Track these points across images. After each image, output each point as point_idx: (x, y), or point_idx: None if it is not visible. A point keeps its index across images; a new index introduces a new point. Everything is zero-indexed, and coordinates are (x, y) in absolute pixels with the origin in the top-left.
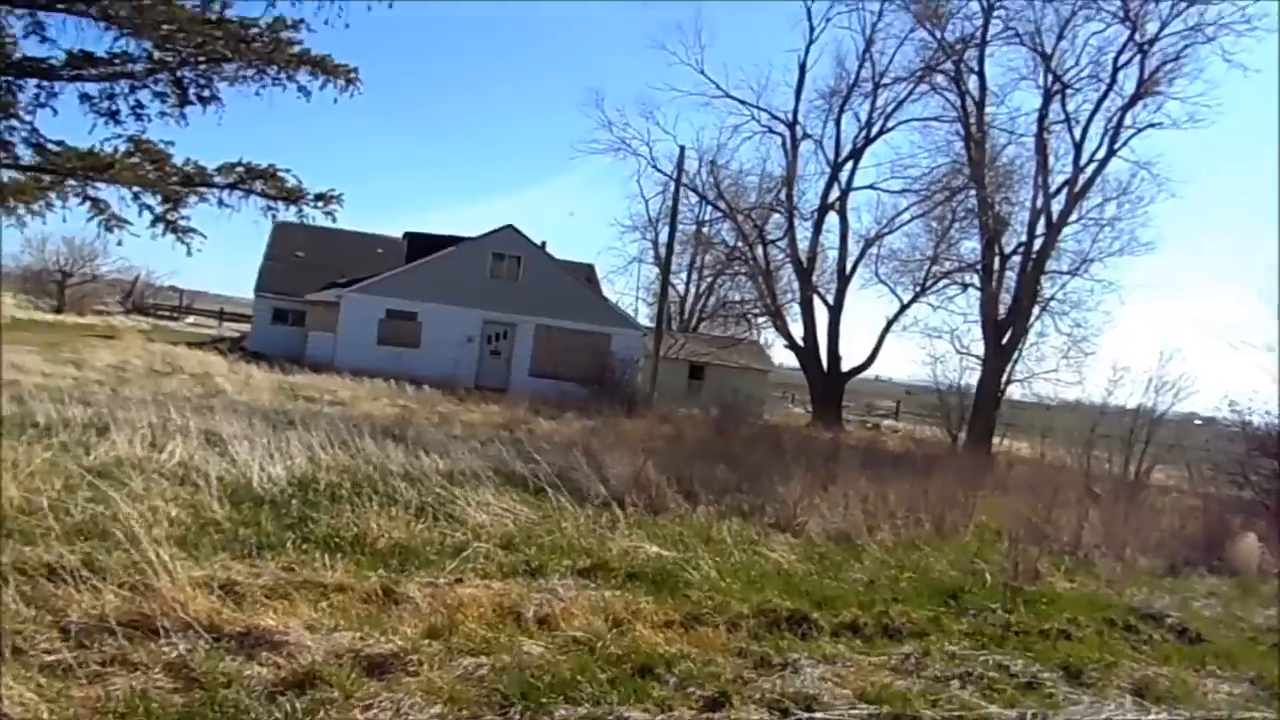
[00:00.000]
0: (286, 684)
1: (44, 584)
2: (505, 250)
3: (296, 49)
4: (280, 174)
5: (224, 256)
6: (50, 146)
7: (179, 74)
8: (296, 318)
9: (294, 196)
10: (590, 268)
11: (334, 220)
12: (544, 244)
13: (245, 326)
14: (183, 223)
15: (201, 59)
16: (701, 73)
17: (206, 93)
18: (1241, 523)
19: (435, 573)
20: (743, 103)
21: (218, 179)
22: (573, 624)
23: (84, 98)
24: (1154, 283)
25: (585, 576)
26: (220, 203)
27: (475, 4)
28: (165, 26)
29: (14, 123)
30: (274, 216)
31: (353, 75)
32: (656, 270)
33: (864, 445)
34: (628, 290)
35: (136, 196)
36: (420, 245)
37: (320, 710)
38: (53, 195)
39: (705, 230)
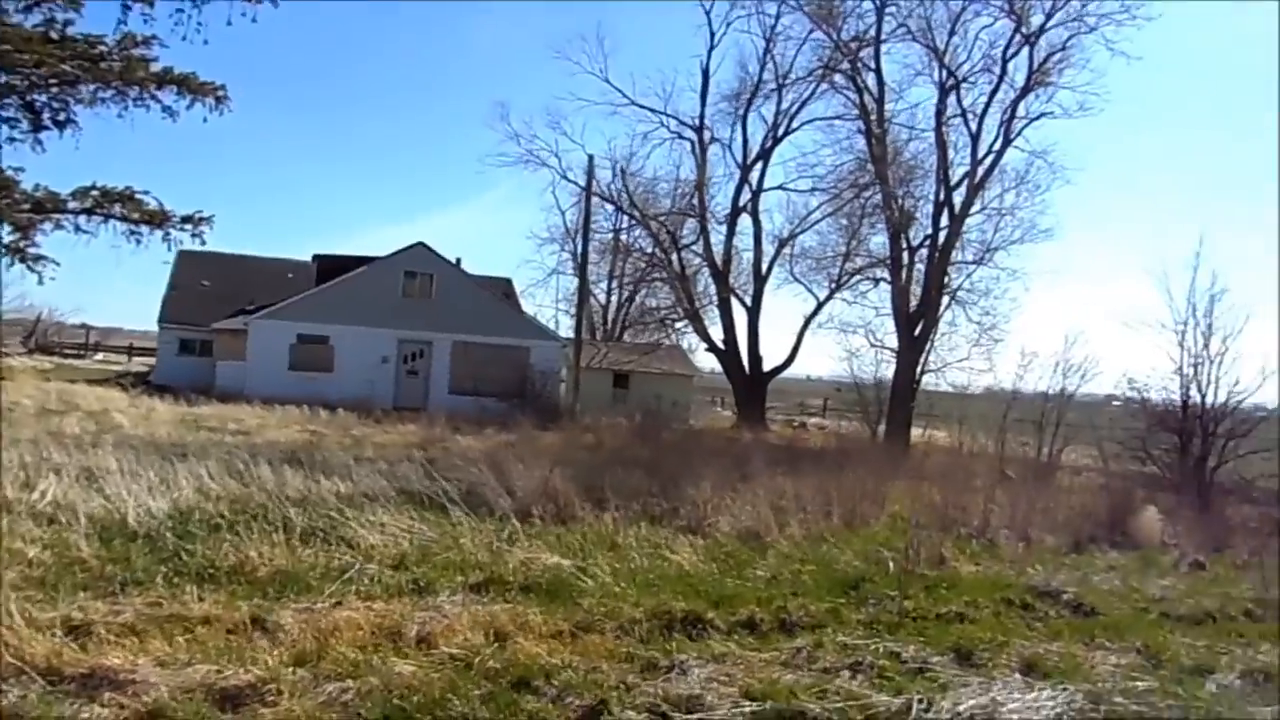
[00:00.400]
0: None
1: None
2: (417, 268)
3: (156, 67)
4: (139, 196)
5: (134, 291)
6: None
7: (29, 98)
8: (204, 348)
9: (158, 219)
10: (508, 282)
11: (203, 243)
12: (459, 260)
13: (154, 360)
14: (32, 250)
15: (53, 81)
16: (606, 81)
17: (62, 116)
18: (1144, 497)
19: (315, 598)
20: (649, 110)
21: (72, 204)
22: (453, 641)
23: None
24: (1058, 269)
25: (477, 591)
26: (77, 228)
27: (371, 15)
28: (1, 46)
29: None
30: (137, 241)
31: (221, 94)
32: (576, 281)
33: (785, 444)
34: (548, 303)
35: None
36: (330, 267)
37: None
38: None
39: (623, 238)
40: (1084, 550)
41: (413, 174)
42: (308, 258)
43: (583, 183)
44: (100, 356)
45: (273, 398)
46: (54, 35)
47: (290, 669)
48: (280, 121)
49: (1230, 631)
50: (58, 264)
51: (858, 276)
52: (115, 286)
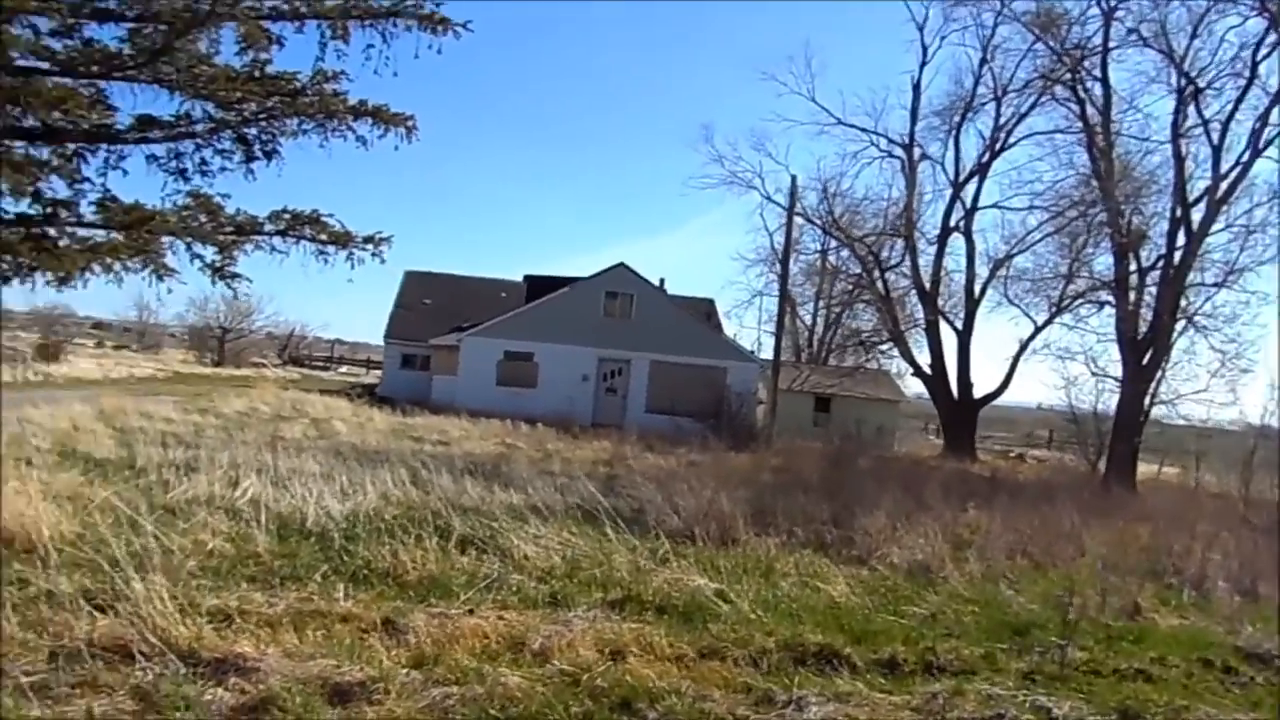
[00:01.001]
0: (243, 709)
1: (44, 610)
2: (618, 288)
3: (352, 100)
4: (324, 219)
5: (378, 308)
6: (110, 205)
7: (243, 132)
8: (423, 362)
9: (342, 240)
10: (710, 303)
11: (384, 261)
12: (662, 282)
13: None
14: (229, 269)
15: (262, 115)
16: (813, 101)
17: (270, 147)
18: None
19: (452, 603)
20: (858, 129)
21: (268, 227)
22: (567, 657)
23: (150, 159)
24: None
25: (615, 609)
26: (272, 249)
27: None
28: (207, 86)
29: (84, 186)
30: (325, 260)
31: (410, 124)
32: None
33: (989, 475)
34: (752, 324)
35: (189, 247)
36: (539, 287)
37: None
38: (122, 255)
39: (830, 260)
40: None
41: (626, 199)
42: (520, 278)
43: (787, 204)
44: (344, 369)
45: (480, 411)
46: (256, 74)
47: (405, 670)
48: (499, 149)
49: None
50: (250, 281)
51: (1079, 300)
52: (361, 303)
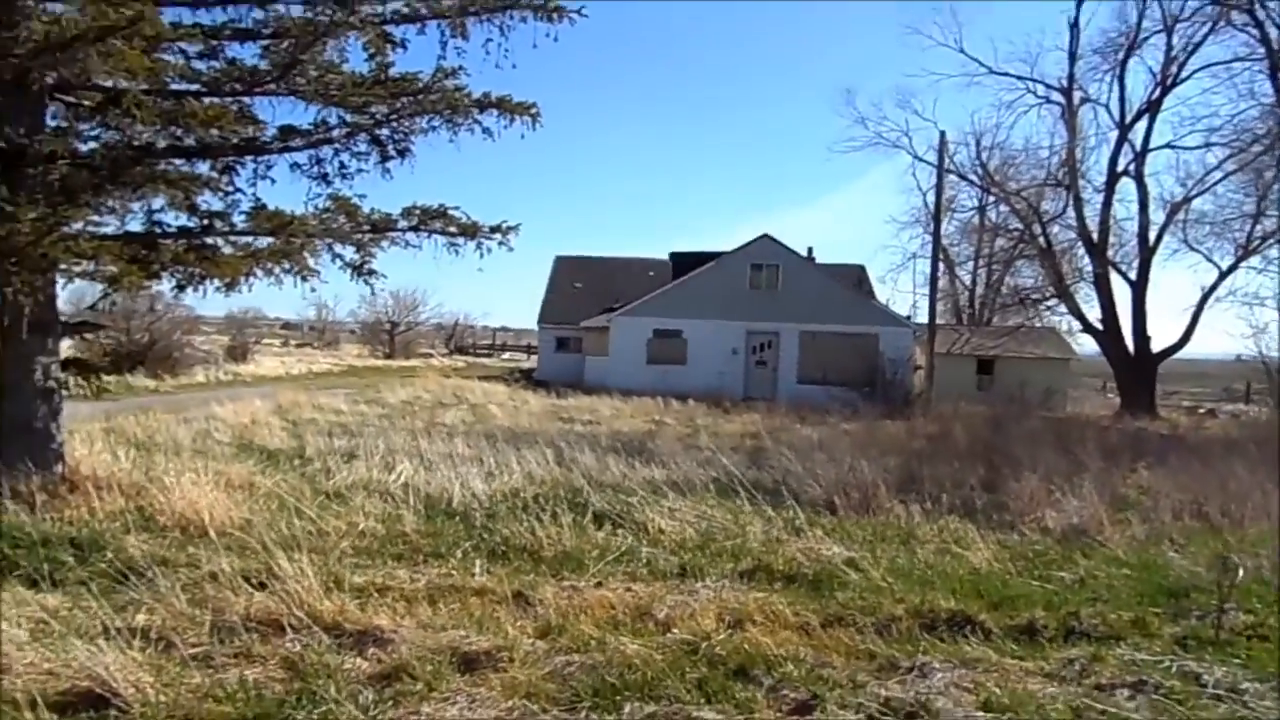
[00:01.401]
0: (379, 677)
1: (208, 589)
2: (763, 260)
3: (477, 94)
4: (451, 212)
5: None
6: (258, 213)
7: (376, 134)
8: (575, 345)
9: (470, 231)
10: (861, 269)
11: (511, 249)
12: (810, 250)
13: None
14: (368, 265)
15: (394, 117)
16: (961, 51)
17: (402, 146)
18: None
19: (583, 576)
20: (1012, 75)
21: (401, 223)
22: (688, 625)
23: (294, 166)
24: None
25: (745, 579)
26: (406, 244)
27: (713, 18)
28: (338, 93)
29: (237, 196)
30: (456, 251)
31: (534, 111)
32: (941, 266)
33: (1170, 434)
34: (908, 288)
35: (330, 248)
36: (684, 264)
37: (398, 700)
38: (272, 259)
39: (988, 216)
40: None
41: (774, 169)
42: (666, 256)
43: (936, 161)
44: (506, 355)
45: (631, 390)
46: (381, 78)
47: (531, 640)
48: (640, 126)
49: None
50: (385, 276)
51: (1270, 240)
52: (523, 290)
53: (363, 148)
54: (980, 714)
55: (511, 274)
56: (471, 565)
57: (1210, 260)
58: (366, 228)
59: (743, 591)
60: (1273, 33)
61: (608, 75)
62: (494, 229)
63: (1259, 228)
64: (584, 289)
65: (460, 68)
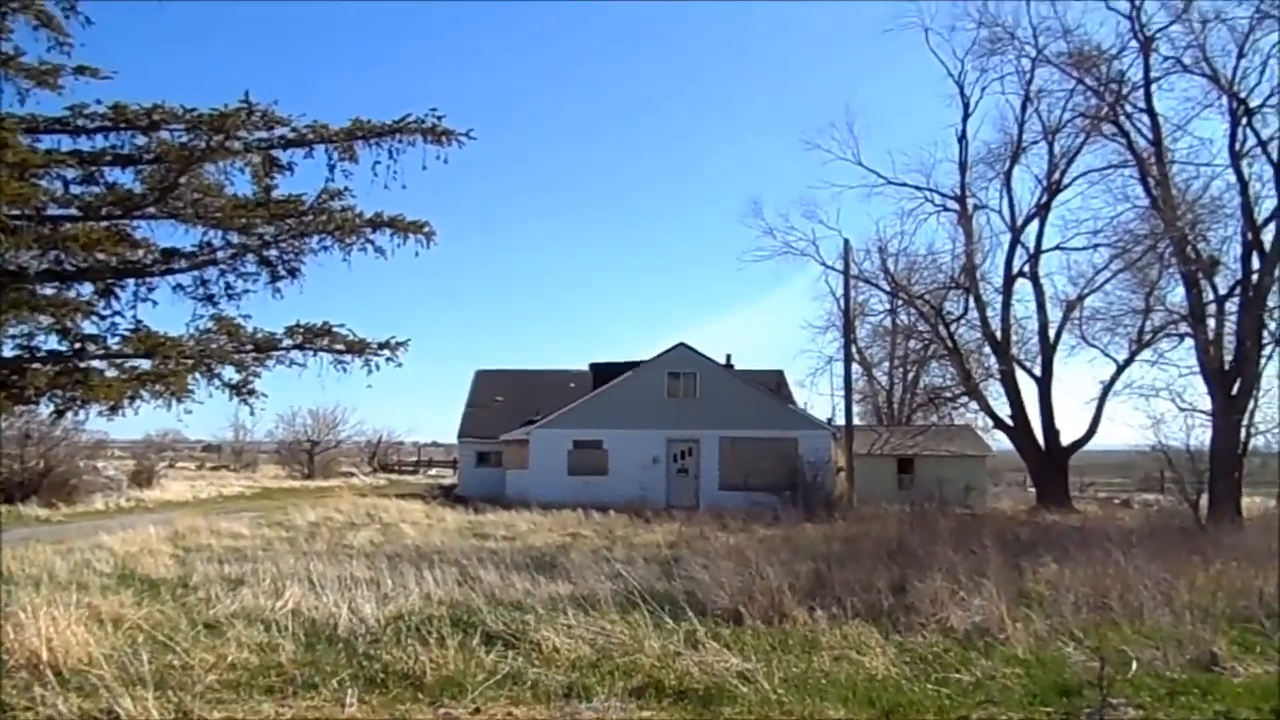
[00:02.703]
0: None
1: None
2: (680, 368)
3: (369, 214)
4: (336, 330)
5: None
6: (134, 335)
7: (264, 254)
8: (496, 458)
9: (357, 349)
10: (779, 374)
11: (400, 365)
12: (728, 358)
13: None
14: (249, 386)
15: (283, 237)
16: (859, 164)
17: (291, 266)
18: None
19: (467, 702)
20: (909, 186)
21: (285, 341)
22: None
23: (178, 288)
24: None
25: (635, 697)
26: (290, 363)
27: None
28: (218, 215)
29: (118, 319)
30: (343, 369)
31: (428, 230)
32: (857, 367)
33: (1080, 526)
34: (827, 391)
35: (209, 368)
36: (604, 374)
37: None
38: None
39: (899, 319)
40: None
41: (691, 282)
42: (587, 367)
43: (843, 269)
44: (433, 471)
45: (552, 502)
46: (264, 200)
47: None
48: (562, 244)
49: None
50: (266, 396)
51: (1159, 334)
52: (448, 406)
53: (250, 268)
54: None
55: (437, 389)
56: (344, 696)
57: (1107, 355)
58: (249, 347)
59: (630, 711)
60: (1140, 141)
61: (524, 189)
62: (382, 345)
63: (1149, 323)
64: (505, 402)
65: (346, 189)
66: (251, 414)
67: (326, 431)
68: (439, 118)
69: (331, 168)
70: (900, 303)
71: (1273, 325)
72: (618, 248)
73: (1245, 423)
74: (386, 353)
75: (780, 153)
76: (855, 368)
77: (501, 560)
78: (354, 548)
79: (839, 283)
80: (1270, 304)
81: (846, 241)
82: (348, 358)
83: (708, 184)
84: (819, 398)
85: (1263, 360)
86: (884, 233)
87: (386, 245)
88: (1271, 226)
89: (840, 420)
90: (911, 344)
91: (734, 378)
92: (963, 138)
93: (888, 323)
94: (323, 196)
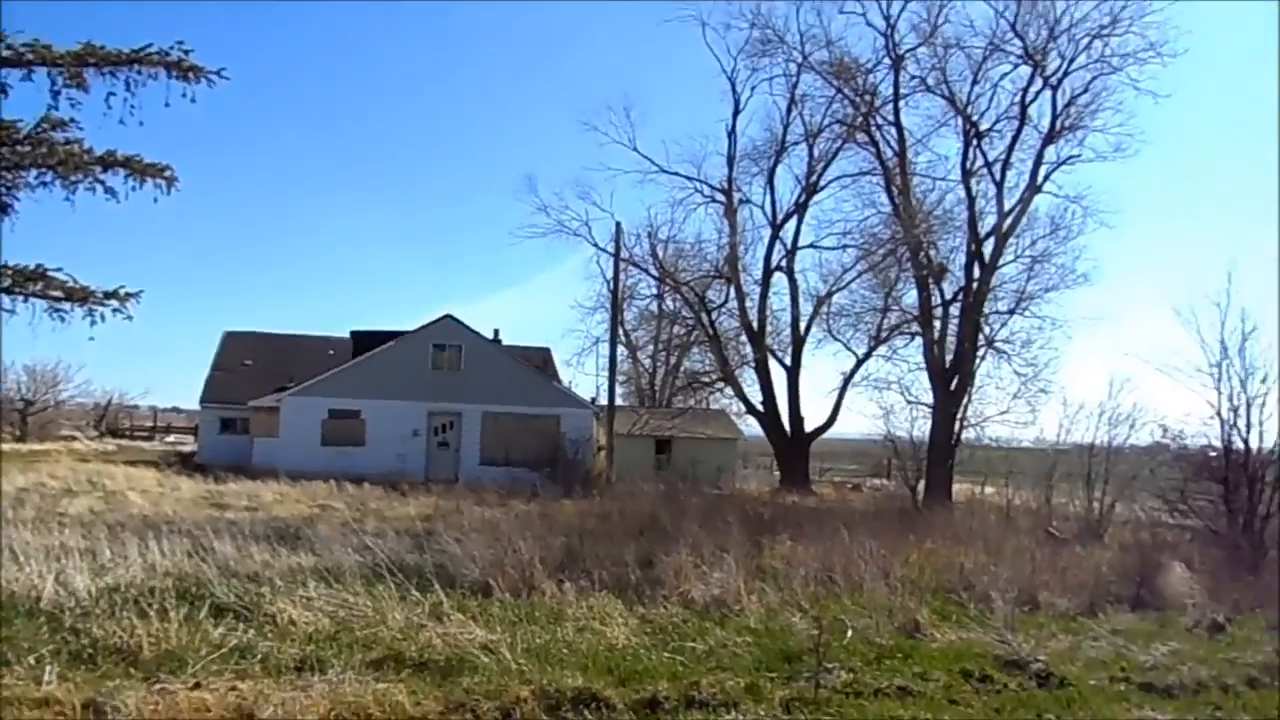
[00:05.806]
0: None
1: None
2: (445, 340)
3: (99, 151)
4: (53, 274)
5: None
6: None
7: None
8: (243, 425)
9: (79, 296)
10: (546, 352)
11: (130, 318)
12: (496, 333)
13: None
14: None
15: None
16: (635, 150)
17: (3, 201)
18: (1181, 553)
19: (187, 676)
20: (681, 175)
21: None
22: None
23: None
24: (1101, 315)
25: (374, 669)
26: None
27: (403, 101)
28: None
29: None
30: (61, 318)
31: (169, 174)
32: (622, 349)
33: (815, 507)
34: (593, 371)
35: None
36: (365, 342)
37: None
38: None
39: (665, 304)
40: (1098, 613)
41: (464, 255)
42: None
43: (616, 250)
44: (173, 438)
45: (303, 473)
46: None
47: None
48: (327, 204)
49: (1210, 703)
50: None
51: (894, 332)
52: (197, 368)
53: None
54: None
55: (180, 351)
56: (41, 673)
57: (849, 349)
58: None
59: (365, 683)
60: (887, 151)
61: (288, 147)
62: (109, 294)
63: (886, 321)
64: (256, 366)
65: (72, 120)
66: None
67: (44, 390)
68: (186, 51)
69: (55, 94)
70: (667, 288)
71: (987, 330)
72: (388, 214)
73: (959, 416)
74: (114, 303)
75: (558, 132)
76: (621, 349)
77: (240, 531)
78: (70, 516)
79: (609, 265)
80: (986, 310)
81: (618, 225)
82: (66, 306)
83: (484, 157)
84: (584, 377)
85: (977, 360)
86: (655, 219)
87: (120, 187)
88: (991, 240)
89: (604, 400)
90: (675, 329)
91: (500, 353)
92: (732, 133)
93: (654, 307)
94: (43, 125)
